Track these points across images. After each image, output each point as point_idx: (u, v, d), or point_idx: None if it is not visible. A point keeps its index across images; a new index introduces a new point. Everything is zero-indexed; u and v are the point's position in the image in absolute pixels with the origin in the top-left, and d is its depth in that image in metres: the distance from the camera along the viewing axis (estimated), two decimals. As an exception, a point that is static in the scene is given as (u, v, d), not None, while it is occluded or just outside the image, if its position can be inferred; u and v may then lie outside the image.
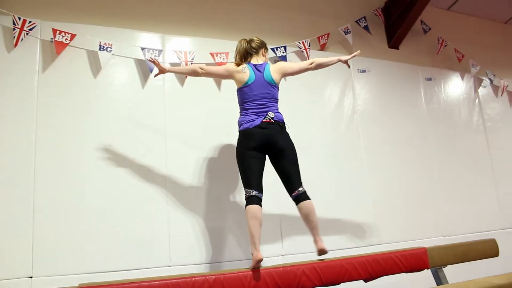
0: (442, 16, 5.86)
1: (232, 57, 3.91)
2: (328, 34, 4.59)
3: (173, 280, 2.43)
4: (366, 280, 3.08)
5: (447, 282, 3.31)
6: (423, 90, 5.21)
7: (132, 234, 3.34)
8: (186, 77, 3.78)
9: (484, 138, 5.54)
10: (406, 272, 3.21)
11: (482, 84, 5.79)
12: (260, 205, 2.93)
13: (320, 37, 4.54)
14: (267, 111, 3.03)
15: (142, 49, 3.67)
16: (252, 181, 2.96)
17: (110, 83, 3.58)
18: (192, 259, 3.49)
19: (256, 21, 4.42)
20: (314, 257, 3.09)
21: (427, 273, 3.42)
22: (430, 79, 5.31)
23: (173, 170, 3.60)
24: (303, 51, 4.35)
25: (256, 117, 3.01)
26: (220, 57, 3.89)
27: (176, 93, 3.78)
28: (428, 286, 3.49)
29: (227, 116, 3.90)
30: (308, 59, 4.24)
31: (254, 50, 3.22)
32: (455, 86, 5.55)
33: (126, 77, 3.66)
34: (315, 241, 3.01)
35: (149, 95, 3.69)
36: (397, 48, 5.26)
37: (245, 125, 3.02)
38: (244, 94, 3.09)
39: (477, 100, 5.68)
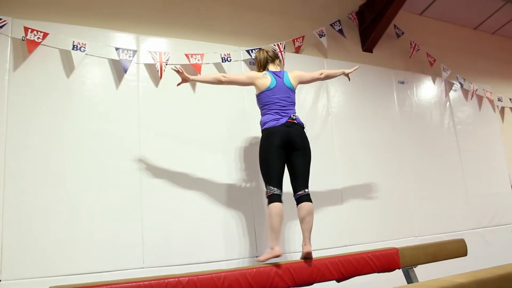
0: (415, 21, 5.98)
1: (207, 58, 3.95)
2: (303, 37, 4.64)
3: (145, 282, 2.42)
4: (338, 280, 3.13)
5: (417, 281, 3.37)
6: (396, 93, 5.30)
7: (105, 236, 3.31)
8: (160, 77, 3.76)
9: (455, 140, 5.67)
10: (378, 272, 3.27)
11: (452, 88, 5.93)
12: (282, 202, 3.08)
13: (295, 40, 4.58)
14: (290, 113, 3.26)
15: (117, 49, 3.63)
16: (274, 179, 3.12)
17: (83, 83, 3.53)
18: (166, 260, 3.47)
19: (232, 23, 4.43)
20: (287, 258, 3.12)
21: (398, 273, 3.48)
22: (402, 82, 5.40)
23: (147, 171, 3.58)
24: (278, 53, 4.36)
25: (281, 117, 3.22)
26: (195, 58, 3.88)
27: (150, 93, 3.76)
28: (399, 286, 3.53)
29: (201, 116, 3.91)
30: (283, 61, 4.35)
31: (271, 59, 3.49)
32: (427, 89, 5.67)
33: (100, 77, 3.61)
34: (304, 244, 3.09)
35: (123, 95, 3.65)
36: (371, 52, 5.34)
37: (271, 123, 3.20)
38: (267, 97, 3.29)
39: (448, 103, 5.80)
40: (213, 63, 4.03)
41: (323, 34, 4.75)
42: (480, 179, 5.71)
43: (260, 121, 3.31)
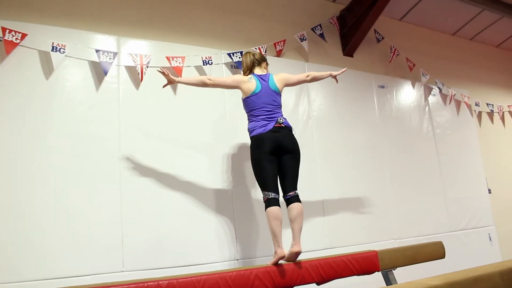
0: (394, 26, 6.07)
1: (188, 61, 3.94)
2: (284, 41, 4.67)
3: (124, 286, 2.39)
4: (318, 283, 3.13)
5: (396, 284, 3.41)
6: (376, 97, 5.36)
7: (84, 239, 3.27)
8: (141, 80, 3.74)
9: (433, 144, 5.76)
10: (358, 274, 3.28)
11: (431, 93, 6.02)
12: (279, 206, 3.12)
13: (276, 44, 4.61)
14: (276, 117, 3.26)
15: (97, 51, 3.60)
16: (270, 184, 3.15)
17: (63, 85, 3.49)
18: (146, 264, 3.45)
19: (213, 26, 4.43)
20: (268, 261, 3.12)
21: (378, 276, 3.52)
22: (383, 87, 5.47)
23: (127, 175, 3.55)
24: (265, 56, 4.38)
25: (267, 122, 3.23)
26: (176, 61, 3.87)
27: (131, 96, 3.73)
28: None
29: (182, 119, 3.90)
30: (267, 64, 4.33)
31: (257, 62, 3.48)
32: (407, 93, 5.75)
33: (80, 79, 3.57)
34: (294, 243, 3.08)
35: (104, 98, 3.62)
36: (352, 56, 5.40)
37: (258, 130, 3.21)
38: (252, 102, 3.29)
39: (427, 107, 5.89)
40: (194, 66, 4.03)
41: (304, 38, 4.79)
42: (458, 182, 5.81)
43: (248, 128, 3.32)
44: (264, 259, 3.79)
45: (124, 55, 3.76)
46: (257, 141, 3.21)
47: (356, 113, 5.07)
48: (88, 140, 3.47)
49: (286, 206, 3.18)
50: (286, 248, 3.04)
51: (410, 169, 5.35)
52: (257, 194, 4.08)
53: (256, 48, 4.38)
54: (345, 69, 3.77)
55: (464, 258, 5.05)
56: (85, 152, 3.44)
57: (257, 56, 3.51)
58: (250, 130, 3.28)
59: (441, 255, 3.79)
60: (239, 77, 3.43)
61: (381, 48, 5.67)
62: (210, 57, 4.07)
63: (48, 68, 3.45)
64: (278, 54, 4.64)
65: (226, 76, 3.56)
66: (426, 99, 5.93)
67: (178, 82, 3.34)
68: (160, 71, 3.26)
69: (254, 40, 4.55)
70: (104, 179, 3.46)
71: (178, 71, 3.87)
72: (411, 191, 5.27)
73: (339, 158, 4.76)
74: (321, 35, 5.00)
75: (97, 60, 3.58)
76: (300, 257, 3.38)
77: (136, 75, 3.75)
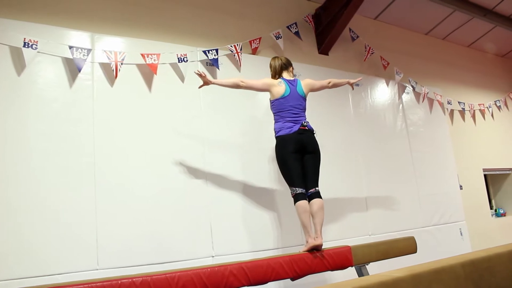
0: (369, 25, 6.16)
1: (163, 58, 3.93)
2: (259, 39, 4.69)
3: (98, 283, 2.38)
4: (293, 279, 3.17)
5: (368, 278, 3.46)
6: (351, 95, 5.42)
7: (58, 237, 3.24)
8: (116, 77, 3.71)
9: (407, 141, 5.86)
10: (332, 270, 3.33)
11: (405, 91, 6.13)
12: (307, 199, 3.37)
13: (252, 41, 4.63)
14: (301, 120, 3.50)
15: (70, 47, 3.55)
16: (297, 180, 3.39)
17: (35, 81, 3.44)
18: (121, 262, 3.44)
19: (189, 23, 4.42)
20: (244, 257, 3.15)
21: (351, 270, 3.57)
22: (357, 85, 5.52)
23: (101, 172, 3.52)
24: (234, 55, 4.40)
25: (293, 124, 3.46)
26: (151, 58, 3.86)
27: (105, 93, 3.70)
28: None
29: (157, 116, 3.89)
30: (240, 62, 4.43)
31: (285, 66, 3.70)
32: (381, 92, 5.84)
33: (52, 76, 3.53)
34: (316, 236, 3.33)
35: (77, 95, 3.59)
36: (327, 54, 5.46)
37: (285, 131, 3.45)
38: (281, 104, 3.52)
39: (400, 105, 6.00)
40: (169, 63, 4.02)
41: (279, 36, 4.81)
42: (431, 179, 5.94)
43: (274, 128, 3.54)
44: (240, 255, 3.81)
45: (98, 51, 3.72)
46: (282, 141, 3.45)
47: (331, 111, 5.13)
48: (61, 137, 3.43)
49: (308, 202, 3.39)
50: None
51: (384, 166, 5.43)
52: (233, 189, 4.11)
53: (231, 46, 4.40)
54: (360, 78, 4.09)
55: (436, 252, 5.15)
56: (59, 149, 3.40)
57: (284, 61, 3.72)
58: (276, 130, 3.51)
59: (413, 250, 3.87)
60: (269, 80, 3.63)
61: (356, 46, 5.74)
62: (186, 55, 4.07)
63: (19, 64, 3.39)
64: (254, 51, 4.66)
65: (256, 79, 3.68)
66: (399, 97, 6.03)
67: (214, 83, 3.49)
68: (197, 73, 3.41)
69: (229, 37, 4.56)
70: (78, 177, 3.43)
71: (153, 68, 3.85)
72: (385, 187, 5.36)
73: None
74: (297, 33, 5.03)
75: (71, 57, 3.54)
76: (275, 253, 3.43)
77: (110, 72, 3.72)
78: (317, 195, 3.44)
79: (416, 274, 1.24)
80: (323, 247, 3.34)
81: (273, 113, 3.60)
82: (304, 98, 3.63)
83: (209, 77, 3.48)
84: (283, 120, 3.49)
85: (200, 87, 3.53)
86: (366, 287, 1.10)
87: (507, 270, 1.59)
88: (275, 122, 3.56)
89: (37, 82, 3.45)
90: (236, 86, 3.52)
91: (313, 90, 3.75)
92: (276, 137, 3.51)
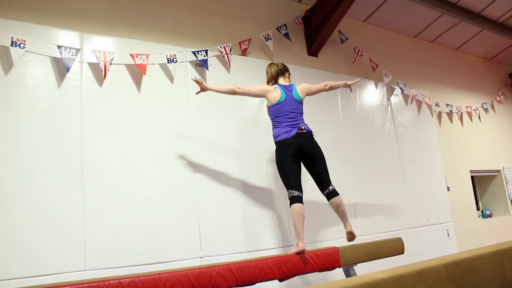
0: (358, 27, 6.19)
1: (152, 58, 3.93)
2: (249, 40, 4.69)
3: (85, 285, 2.38)
4: (281, 280, 3.19)
5: (356, 279, 3.49)
6: (340, 96, 5.45)
7: (45, 238, 3.22)
8: (105, 77, 3.70)
9: (395, 143, 5.91)
10: (319, 271, 3.36)
11: (394, 93, 6.18)
12: (302, 203, 3.43)
13: (242, 42, 4.63)
14: (299, 124, 3.57)
15: (59, 47, 3.53)
16: (294, 183, 3.45)
17: (23, 81, 3.42)
18: (109, 263, 3.42)
19: (178, 24, 4.42)
20: (232, 258, 3.15)
21: (339, 271, 3.60)
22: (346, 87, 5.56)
23: (90, 173, 3.51)
24: (224, 56, 4.40)
25: (291, 128, 3.54)
26: (140, 59, 3.85)
27: (94, 93, 3.69)
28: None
29: (146, 116, 3.88)
30: (229, 64, 4.43)
31: (281, 72, 3.78)
32: (370, 93, 5.87)
33: (41, 76, 3.50)
34: (345, 226, 3.58)
35: (66, 95, 3.57)
36: (316, 56, 5.48)
37: (283, 136, 3.53)
38: (277, 110, 3.60)
39: (389, 107, 6.04)
40: (159, 64, 4.02)
41: (269, 37, 4.82)
42: (418, 180, 5.99)
43: (273, 134, 3.62)
44: (228, 256, 3.82)
45: (87, 51, 3.71)
46: (281, 146, 3.52)
47: (320, 112, 5.14)
48: (50, 137, 3.41)
49: (328, 201, 3.58)
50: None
51: (372, 168, 5.47)
52: (222, 190, 4.12)
53: (221, 47, 4.40)
54: (358, 79, 4.19)
55: (424, 253, 5.18)
56: (47, 149, 3.38)
57: (280, 67, 3.80)
58: (275, 136, 3.59)
59: (401, 251, 3.91)
60: (265, 86, 3.71)
61: (345, 48, 5.77)
62: (175, 55, 4.07)
63: (7, 63, 3.36)
64: (243, 53, 4.67)
65: (252, 85, 3.85)
66: (388, 99, 6.08)
67: (211, 89, 3.57)
68: (194, 80, 3.51)
69: (219, 38, 4.56)
70: (66, 177, 3.41)
71: (142, 68, 3.85)
72: (373, 189, 5.39)
73: (303, 157, 4.82)
74: (286, 35, 5.05)
75: (59, 56, 3.52)
76: (262, 254, 3.44)
77: (99, 72, 3.71)
78: (334, 193, 3.56)
79: (399, 275, 1.25)
80: (308, 249, 3.37)
81: (271, 119, 3.67)
82: (301, 102, 3.69)
83: (206, 83, 3.54)
84: (281, 126, 3.56)
85: (197, 93, 3.60)
86: (349, 288, 1.12)
87: (489, 271, 1.62)
88: (273, 127, 3.63)
89: (25, 82, 3.43)
90: (233, 92, 3.60)
91: (309, 94, 3.81)
92: (276, 142, 3.58)
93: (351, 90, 4.26)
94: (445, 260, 1.48)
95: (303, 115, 3.69)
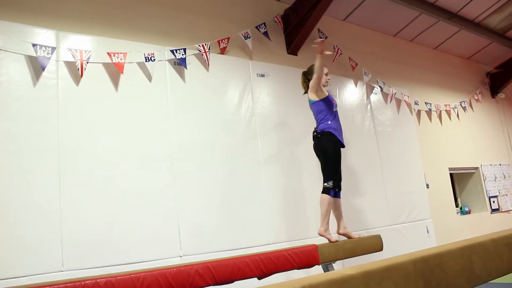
0: (338, 26, 6.23)
1: (130, 57, 3.92)
2: (228, 38, 4.68)
3: (61, 285, 2.36)
4: (259, 278, 3.19)
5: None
6: (320, 95, 5.46)
7: (20, 239, 3.18)
8: (81, 76, 3.66)
9: (375, 141, 5.97)
10: (298, 268, 3.37)
11: (373, 91, 6.23)
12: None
13: (220, 41, 4.62)
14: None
15: (34, 45, 3.48)
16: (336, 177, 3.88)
17: (-3, 80, 3.37)
18: (87, 263, 3.40)
19: (157, 22, 4.39)
20: (212, 257, 3.15)
21: (318, 269, 3.62)
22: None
23: (66, 172, 3.48)
24: (203, 54, 4.39)
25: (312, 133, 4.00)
26: (118, 57, 3.82)
27: (70, 92, 3.65)
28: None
29: (124, 116, 3.85)
30: (208, 62, 4.41)
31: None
32: (349, 92, 5.92)
33: (15, 74, 3.45)
34: (341, 228, 3.92)
35: (41, 93, 3.52)
36: (296, 55, 5.50)
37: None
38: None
39: (369, 106, 6.09)
40: (136, 63, 3.99)
41: (248, 36, 4.82)
42: (398, 177, 6.06)
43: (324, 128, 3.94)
44: (208, 255, 3.81)
45: (63, 50, 3.66)
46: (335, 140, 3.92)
47: (299, 110, 5.14)
48: (25, 136, 3.37)
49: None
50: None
51: (352, 165, 5.51)
52: (201, 189, 4.11)
53: (199, 45, 4.38)
54: (319, 40, 3.85)
55: (403, 250, 5.23)
56: (23, 149, 3.34)
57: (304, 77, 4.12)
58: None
59: (379, 248, 3.95)
60: None
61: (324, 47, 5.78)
62: (153, 54, 4.04)
63: (-20, 62, 3.31)
64: (222, 51, 4.66)
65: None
66: (368, 97, 6.13)
67: (321, 59, 3.80)
68: (319, 41, 3.74)
69: (198, 37, 4.54)
70: (42, 177, 3.38)
71: (119, 67, 3.82)
72: (353, 186, 5.43)
73: (282, 154, 4.85)
74: (265, 34, 5.05)
75: (34, 55, 3.47)
76: (241, 252, 3.44)
77: (76, 71, 3.67)
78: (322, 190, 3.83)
79: (367, 272, 1.27)
80: (287, 247, 3.39)
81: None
82: (311, 104, 3.95)
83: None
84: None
85: (320, 52, 3.77)
86: (315, 285, 1.12)
87: (457, 266, 1.65)
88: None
89: (-1, 81, 3.37)
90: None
91: (313, 88, 3.92)
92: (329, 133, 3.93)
93: (324, 54, 3.91)
94: (413, 256, 1.50)
95: (320, 115, 3.93)
